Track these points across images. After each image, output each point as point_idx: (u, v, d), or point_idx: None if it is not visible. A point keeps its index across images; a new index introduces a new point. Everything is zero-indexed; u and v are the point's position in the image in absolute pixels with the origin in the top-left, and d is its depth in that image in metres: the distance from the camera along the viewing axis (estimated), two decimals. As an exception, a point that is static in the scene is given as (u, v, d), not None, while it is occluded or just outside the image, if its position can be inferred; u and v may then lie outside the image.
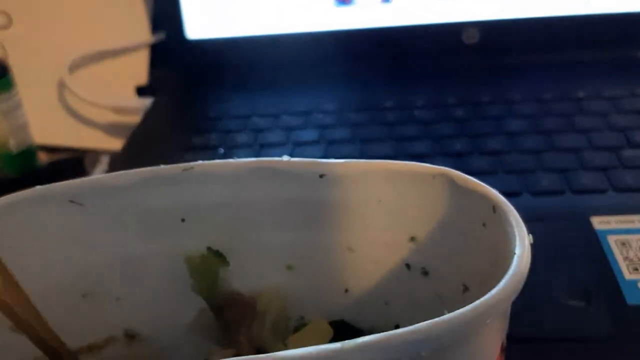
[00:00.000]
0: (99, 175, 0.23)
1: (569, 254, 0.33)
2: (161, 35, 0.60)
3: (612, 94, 0.46)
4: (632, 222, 0.34)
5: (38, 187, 0.22)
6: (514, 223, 0.18)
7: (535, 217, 0.35)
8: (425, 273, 0.22)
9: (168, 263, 0.24)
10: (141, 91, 0.59)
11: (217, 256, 0.23)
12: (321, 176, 0.22)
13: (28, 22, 0.59)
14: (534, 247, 0.17)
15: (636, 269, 0.31)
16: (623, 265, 0.32)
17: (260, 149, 0.45)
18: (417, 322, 0.16)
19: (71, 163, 0.56)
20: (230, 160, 0.22)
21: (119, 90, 0.59)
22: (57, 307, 0.22)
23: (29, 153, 0.53)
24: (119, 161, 0.48)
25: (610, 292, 0.30)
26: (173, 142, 0.48)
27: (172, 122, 0.52)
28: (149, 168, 0.23)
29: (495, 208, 0.19)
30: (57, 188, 0.22)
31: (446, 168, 0.21)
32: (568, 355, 0.28)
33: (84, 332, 0.23)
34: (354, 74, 0.55)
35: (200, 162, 0.23)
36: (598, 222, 0.34)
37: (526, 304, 0.30)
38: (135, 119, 0.55)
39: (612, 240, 0.33)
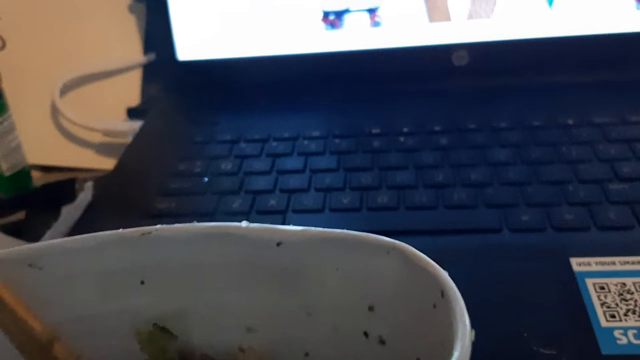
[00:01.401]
0: (57, 239, 0.23)
1: (544, 296, 0.32)
2: (152, 57, 0.60)
3: (601, 121, 0.46)
4: (613, 263, 0.33)
5: None
6: (458, 316, 0.17)
7: (514, 256, 0.35)
8: (382, 342, 0.22)
9: (128, 322, 0.24)
10: (132, 112, 0.59)
11: (164, 331, 0.23)
12: (278, 244, 0.22)
13: (21, 45, 0.60)
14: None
15: (613, 316, 0.31)
16: (600, 312, 0.31)
17: (245, 178, 0.45)
18: None
19: (63, 186, 0.56)
20: (188, 225, 0.23)
21: (110, 111, 0.59)
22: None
23: (22, 175, 0.54)
24: (104, 187, 0.48)
25: (585, 340, 0.30)
26: (159, 168, 0.48)
27: (159, 147, 0.52)
28: (107, 232, 0.23)
29: (443, 293, 0.18)
30: (15, 254, 0.22)
31: (400, 243, 0.21)
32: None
33: None
34: (342, 96, 0.54)
35: (158, 226, 0.23)
36: (577, 264, 0.34)
37: (495, 350, 0.30)
38: (127, 139, 0.55)
39: (590, 283, 0.32)
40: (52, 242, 0.23)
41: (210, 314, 0.24)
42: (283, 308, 0.23)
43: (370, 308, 0.22)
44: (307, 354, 0.24)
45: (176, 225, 0.23)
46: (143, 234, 0.23)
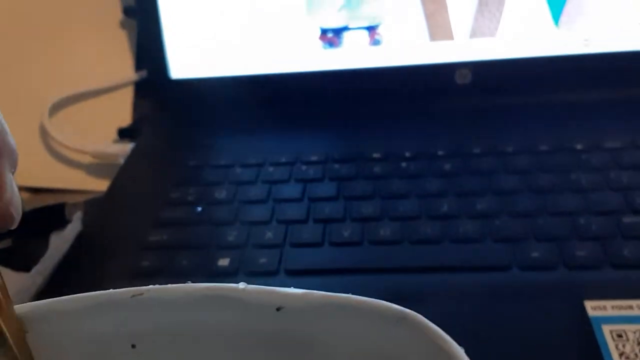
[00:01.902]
0: (44, 301, 0.22)
1: (558, 345, 0.31)
2: (143, 74, 0.58)
3: (612, 145, 0.44)
4: (631, 307, 0.32)
5: None
6: None
7: (524, 297, 0.33)
8: None
9: None
10: (123, 133, 0.57)
11: None
12: (278, 309, 0.20)
13: (9, 64, 0.58)
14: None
15: (632, 368, 0.29)
16: (618, 363, 0.29)
17: (240, 207, 0.43)
18: None
19: (52, 211, 0.55)
20: (182, 286, 0.21)
21: (101, 131, 0.57)
22: None
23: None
24: (94, 215, 0.46)
25: (603, 396, 0.28)
26: (151, 196, 0.46)
27: (151, 172, 0.50)
28: (96, 293, 0.21)
29: None
30: None
31: (410, 312, 0.19)
32: None
33: None
34: (341, 116, 0.52)
35: (151, 287, 0.21)
36: (592, 308, 0.32)
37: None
38: (118, 160, 0.53)
39: (607, 330, 0.31)
40: (38, 303, 0.21)
41: None
42: None
43: None
44: None
45: (169, 286, 0.21)
46: (134, 296, 0.21)
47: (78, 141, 0.56)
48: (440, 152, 0.46)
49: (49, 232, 0.50)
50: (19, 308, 0.21)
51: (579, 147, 0.44)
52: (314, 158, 0.47)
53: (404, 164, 0.45)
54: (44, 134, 0.57)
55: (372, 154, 0.47)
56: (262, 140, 0.51)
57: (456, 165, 0.44)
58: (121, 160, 0.52)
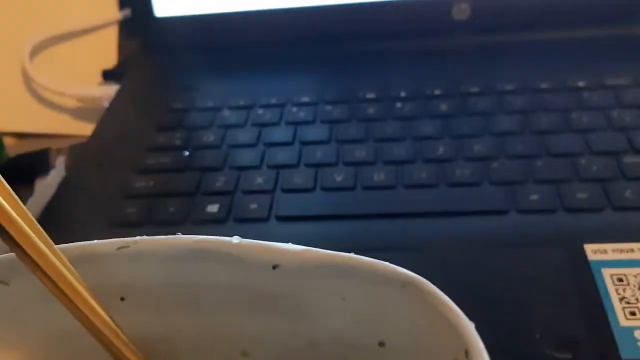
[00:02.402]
0: None
1: (558, 291, 0.30)
2: (128, 13, 0.55)
3: (615, 83, 0.42)
4: (632, 251, 0.31)
5: None
6: None
7: (523, 242, 0.32)
8: None
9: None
10: (108, 75, 0.55)
11: None
12: (275, 267, 0.19)
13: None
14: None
15: (633, 314, 0.28)
16: (619, 309, 0.28)
17: (229, 152, 0.42)
18: None
19: (37, 157, 0.53)
20: (173, 239, 0.20)
21: (85, 74, 0.55)
22: None
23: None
24: (79, 161, 0.45)
25: (603, 343, 0.27)
26: (137, 141, 0.44)
27: (137, 115, 0.48)
28: (80, 244, 0.20)
29: (467, 352, 0.15)
30: None
31: (418, 279, 0.17)
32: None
33: None
34: (334, 55, 0.50)
35: (138, 238, 0.20)
36: (593, 251, 0.31)
37: (506, 354, 0.27)
38: (103, 103, 0.51)
39: (607, 274, 0.30)
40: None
41: (200, 337, 0.21)
42: (281, 334, 0.21)
43: (381, 344, 0.19)
44: None
45: (157, 238, 0.20)
46: (120, 248, 0.20)
47: (62, 84, 0.54)
48: (436, 93, 0.44)
49: (34, 178, 0.49)
50: (5, 257, 0.20)
51: (580, 85, 0.42)
52: (305, 100, 0.45)
53: (398, 105, 0.43)
54: (26, 77, 0.55)
55: (365, 95, 0.45)
56: (251, 82, 0.49)
57: (453, 107, 0.42)
58: (106, 104, 0.50)
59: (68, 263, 0.19)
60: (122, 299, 0.21)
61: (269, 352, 0.21)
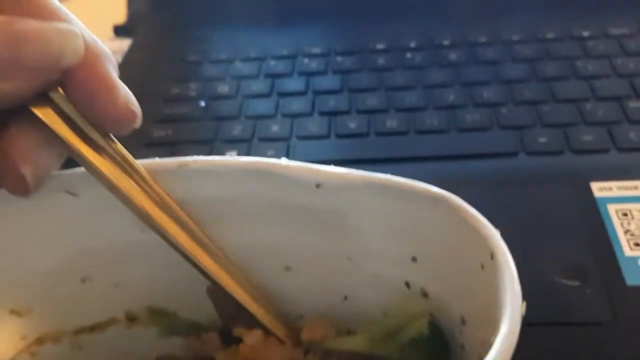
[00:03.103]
0: None
1: (566, 225, 0.31)
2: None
3: (618, 32, 0.43)
4: (636, 188, 0.32)
5: None
6: (507, 284, 0.16)
7: (532, 181, 0.34)
8: (424, 294, 0.21)
9: (164, 251, 0.23)
10: (119, 30, 0.55)
11: None
12: (318, 186, 0.20)
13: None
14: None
15: (637, 244, 0.30)
16: (623, 240, 0.30)
17: (244, 101, 0.43)
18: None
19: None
20: (227, 158, 0.21)
21: (95, 29, 0.56)
22: (59, 290, 0.23)
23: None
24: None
25: (609, 271, 0.29)
26: (153, 93, 0.45)
27: (151, 68, 0.49)
28: (144, 161, 0.22)
29: (493, 255, 0.17)
30: (52, 178, 0.21)
31: (450, 195, 0.19)
32: (559, 341, 0.27)
33: (86, 313, 0.24)
34: (343, 7, 0.51)
35: (196, 158, 0.21)
36: (598, 189, 0.32)
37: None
38: (116, 57, 0.52)
39: (612, 210, 0.31)
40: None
41: (248, 249, 0.23)
42: (322, 250, 0.22)
43: (414, 259, 0.21)
44: (346, 298, 0.23)
45: (213, 158, 0.21)
46: (180, 166, 0.21)
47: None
48: (445, 42, 0.45)
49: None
50: (68, 172, 0.21)
51: (585, 34, 0.43)
52: (316, 51, 0.46)
53: (408, 55, 0.44)
54: (37, 33, 0.56)
55: (375, 45, 0.46)
56: (262, 34, 0.50)
57: (461, 55, 0.43)
58: (119, 58, 0.51)
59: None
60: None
61: (310, 267, 0.23)
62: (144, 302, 0.25)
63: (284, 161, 0.21)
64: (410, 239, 0.20)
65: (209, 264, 0.22)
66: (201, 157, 0.21)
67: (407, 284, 0.21)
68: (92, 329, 0.24)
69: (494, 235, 0.17)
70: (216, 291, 0.23)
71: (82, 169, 0.21)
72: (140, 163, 0.21)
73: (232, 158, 0.21)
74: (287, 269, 0.23)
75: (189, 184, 0.21)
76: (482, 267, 0.18)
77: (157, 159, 0.21)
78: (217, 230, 0.22)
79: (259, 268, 0.23)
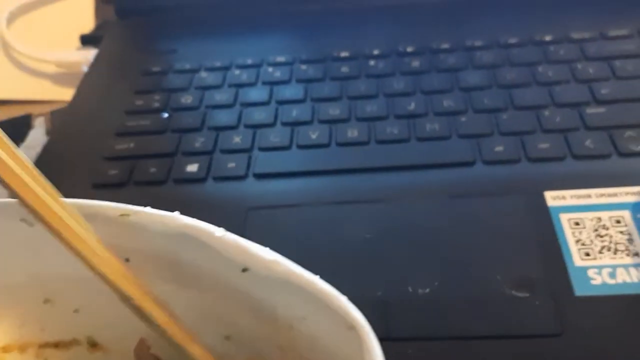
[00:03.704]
0: None
1: (517, 235, 0.31)
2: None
3: (580, 37, 0.43)
4: (589, 196, 0.32)
5: None
6: None
7: (488, 191, 0.34)
8: None
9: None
10: (86, 40, 0.55)
11: None
12: (244, 270, 0.20)
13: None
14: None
15: (587, 254, 0.30)
16: (574, 249, 0.30)
17: (207, 112, 0.43)
18: None
19: (17, 123, 0.54)
20: (165, 216, 0.21)
21: (62, 39, 0.56)
22: (24, 304, 0.23)
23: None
24: (60, 126, 0.45)
25: (558, 281, 0.29)
26: (116, 104, 0.45)
27: (115, 79, 0.49)
28: (90, 204, 0.21)
29: None
30: (8, 206, 0.21)
31: (362, 323, 0.18)
32: (507, 355, 0.27)
33: (51, 330, 0.24)
34: (307, 13, 0.51)
35: (137, 209, 0.21)
36: (552, 198, 0.33)
37: (468, 294, 0.29)
38: (82, 68, 0.52)
39: (565, 219, 0.32)
40: None
41: (191, 310, 0.22)
42: (256, 330, 0.22)
43: None
44: None
45: (153, 214, 0.21)
46: (122, 215, 0.21)
47: (40, 50, 0.54)
48: (408, 49, 0.45)
49: (16, 144, 0.49)
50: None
51: (547, 38, 0.44)
52: (280, 59, 0.46)
53: (371, 62, 0.44)
54: (4, 44, 0.56)
55: (339, 54, 0.46)
56: (227, 43, 0.50)
57: (423, 63, 0.43)
58: (85, 68, 0.51)
59: (76, 214, 0.20)
60: (127, 260, 0.22)
61: (249, 341, 0.22)
62: (104, 331, 0.25)
63: (219, 232, 0.20)
64: (327, 352, 0.19)
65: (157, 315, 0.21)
66: (144, 210, 0.21)
67: None
68: (56, 345, 0.25)
69: None
70: (143, 351, 0.23)
71: None
72: (83, 204, 0.21)
73: (171, 218, 0.21)
74: (227, 338, 0.23)
75: (133, 233, 0.21)
76: None
77: (102, 203, 0.21)
78: (162, 285, 0.22)
79: (201, 329, 0.22)
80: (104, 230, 0.21)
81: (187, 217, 0.20)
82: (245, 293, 0.21)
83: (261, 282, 0.20)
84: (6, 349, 0.24)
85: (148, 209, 0.21)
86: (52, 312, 0.24)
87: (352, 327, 0.18)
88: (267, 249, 0.19)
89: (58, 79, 0.55)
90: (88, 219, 0.21)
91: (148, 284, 0.21)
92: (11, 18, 0.55)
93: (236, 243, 0.20)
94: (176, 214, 0.21)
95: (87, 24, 0.57)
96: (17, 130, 0.51)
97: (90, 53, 0.52)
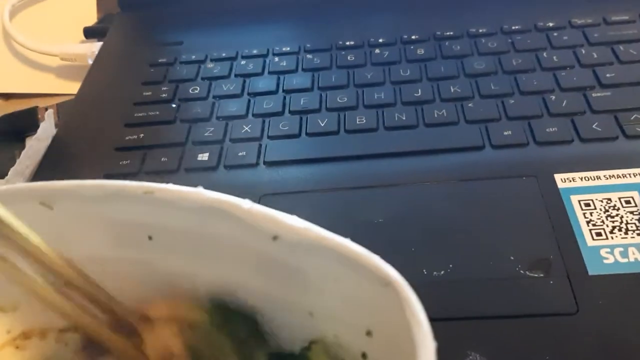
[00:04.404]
0: (68, 182, 0.22)
1: (530, 216, 0.32)
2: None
3: (583, 22, 0.44)
4: (599, 178, 0.33)
5: (10, 185, 0.22)
6: None
7: (498, 174, 0.35)
8: None
9: (137, 271, 0.23)
10: (89, 32, 0.55)
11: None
12: (275, 238, 0.20)
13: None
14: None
15: (599, 234, 0.30)
16: (586, 230, 0.31)
17: (215, 102, 0.43)
18: None
19: (24, 116, 0.54)
20: (192, 191, 0.21)
21: (66, 32, 0.56)
22: None
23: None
24: (68, 118, 0.46)
25: (572, 261, 0.30)
26: (124, 95, 0.46)
27: (121, 71, 0.49)
28: (112, 183, 0.22)
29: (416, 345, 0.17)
30: (27, 190, 0.22)
31: (397, 280, 0.18)
32: (523, 333, 0.28)
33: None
34: (311, 3, 0.51)
35: (162, 186, 0.21)
36: (562, 180, 0.33)
37: (482, 275, 0.30)
38: (87, 60, 0.52)
39: (575, 200, 0.32)
40: (63, 183, 0.22)
41: (215, 281, 0.23)
42: (284, 299, 0.22)
43: (368, 333, 0.20)
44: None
45: (179, 189, 0.21)
46: (146, 192, 0.21)
47: (44, 44, 0.54)
48: (413, 37, 0.45)
49: (23, 136, 0.50)
50: (43, 184, 0.22)
51: (550, 24, 0.44)
52: (286, 49, 0.47)
53: (377, 51, 0.45)
54: (7, 38, 0.56)
55: (345, 42, 0.46)
56: (232, 33, 0.50)
57: (429, 50, 0.44)
58: (90, 61, 0.51)
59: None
60: (150, 238, 0.22)
61: (274, 312, 0.22)
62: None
63: (246, 205, 0.20)
64: (364, 311, 0.20)
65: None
66: (167, 186, 0.21)
67: (364, 356, 0.21)
68: (77, 330, 0.25)
69: (425, 333, 0.17)
70: None
71: (59, 182, 0.21)
72: (109, 185, 0.21)
73: (196, 193, 0.21)
74: (252, 309, 0.23)
75: (157, 210, 0.21)
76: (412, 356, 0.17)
77: (126, 183, 0.21)
78: (186, 259, 0.22)
79: (226, 300, 0.23)
80: (127, 209, 0.22)
81: (212, 192, 0.20)
82: (274, 262, 0.21)
83: (292, 249, 0.20)
84: (26, 335, 0.24)
85: (172, 185, 0.21)
86: (72, 295, 0.24)
87: (387, 284, 0.18)
88: (296, 217, 0.19)
89: (63, 72, 0.55)
90: (111, 199, 0.21)
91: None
92: (14, 11, 0.55)
93: (265, 213, 0.20)
94: (200, 188, 0.21)
95: (90, 17, 0.57)
96: (24, 123, 0.51)
97: (95, 46, 0.52)
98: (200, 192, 0.21)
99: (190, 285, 0.23)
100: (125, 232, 0.23)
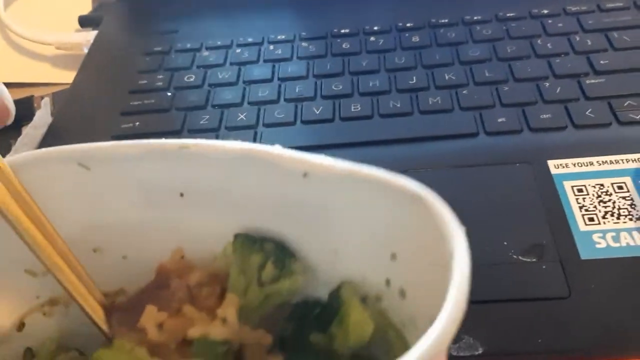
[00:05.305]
0: (106, 142, 0.23)
1: (523, 202, 0.32)
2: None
3: (577, 9, 0.44)
4: (591, 164, 0.33)
5: (49, 148, 0.22)
6: (456, 282, 0.16)
7: (492, 161, 0.35)
8: (402, 294, 0.21)
9: (169, 232, 0.24)
10: (84, 21, 0.55)
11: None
12: (305, 175, 0.21)
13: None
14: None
15: (591, 219, 0.31)
16: (578, 215, 0.31)
17: (210, 90, 0.43)
18: None
19: (20, 104, 0.54)
20: (223, 143, 0.22)
21: (61, 20, 0.56)
22: None
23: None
24: (63, 106, 0.46)
25: (564, 246, 0.30)
26: (119, 85, 0.46)
27: (117, 59, 0.49)
28: (149, 141, 0.22)
29: (452, 255, 0.17)
30: (67, 151, 0.22)
31: (427, 195, 0.19)
32: (517, 317, 0.28)
33: (97, 282, 0.24)
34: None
35: (196, 141, 0.22)
36: (555, 166, 0.33)
37: (475, 260, 0.30)
38: (82, 49, 0.52)
39: (568, 186, 0.32)
40: (101, 144, 0.23)
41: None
42: (309, 242, 0.23)
43: (393, 256, 0.21)
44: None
45: (211, 142, 0.22)
46: (181, 147, 0.22)
47: (39, 33, 0.54)
48: (408, 25, 0.45)
49: (20, 125, 0.50)
50: (83, 145, 0.22)
51: (544, 12, 0.44)
52: (281, 37, 0.47)
53: (372, 38, 0.45)
54: (3, 27, 0.56)
55: (339, 30, 0.46)
56: (227, 22, 0.50)
57: (424, 37, 0.44)
58: (85, 50, 0.51)
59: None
60: (181, 195, 0.23)
61: (302, 256, 0.23)
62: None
63: (277, 149, 0.21)
64: (389, 235, 0.21)
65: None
66: (202, 140, 0.22)
67: (388, 282, 0.21)
68: (104, 296, 0.25)
69: (459, 239, 0.17)
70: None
71: (96, 143, 0.21)
72: (144, 143, 0.22)
73: (229, 143, 0.21)
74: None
75: (191, 166, 0.22)
76: (445, 267, 0.18)
77: (162, 140, 0.22)
78: (223, 215, 0.23)
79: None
80: (159, 167, 0.22)
81: (244, 142, 0.21)
82: (300, 203, 0.21)
83: (321, 184, 0.20)
84: (53, 302, 0.25)
85: (205, 140, 0.22)
86: (101, 261, 0.24)
87: (417, 199, 0.19)
88: (323, 155, 0.20)
89: (58, 60, 0.55)
90: (146, 158, 0.22)
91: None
92: (8, 1, 0.55)
93: (295, 154, 0.21)
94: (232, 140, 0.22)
95: (85, 5, 0.57)
96: (21, 111, 0.51)
97: (90, 34, 0.52)
98: (235, 142, 0.21)
99: (223, 242, 0.24)
100: (157, 191, 0.23)
